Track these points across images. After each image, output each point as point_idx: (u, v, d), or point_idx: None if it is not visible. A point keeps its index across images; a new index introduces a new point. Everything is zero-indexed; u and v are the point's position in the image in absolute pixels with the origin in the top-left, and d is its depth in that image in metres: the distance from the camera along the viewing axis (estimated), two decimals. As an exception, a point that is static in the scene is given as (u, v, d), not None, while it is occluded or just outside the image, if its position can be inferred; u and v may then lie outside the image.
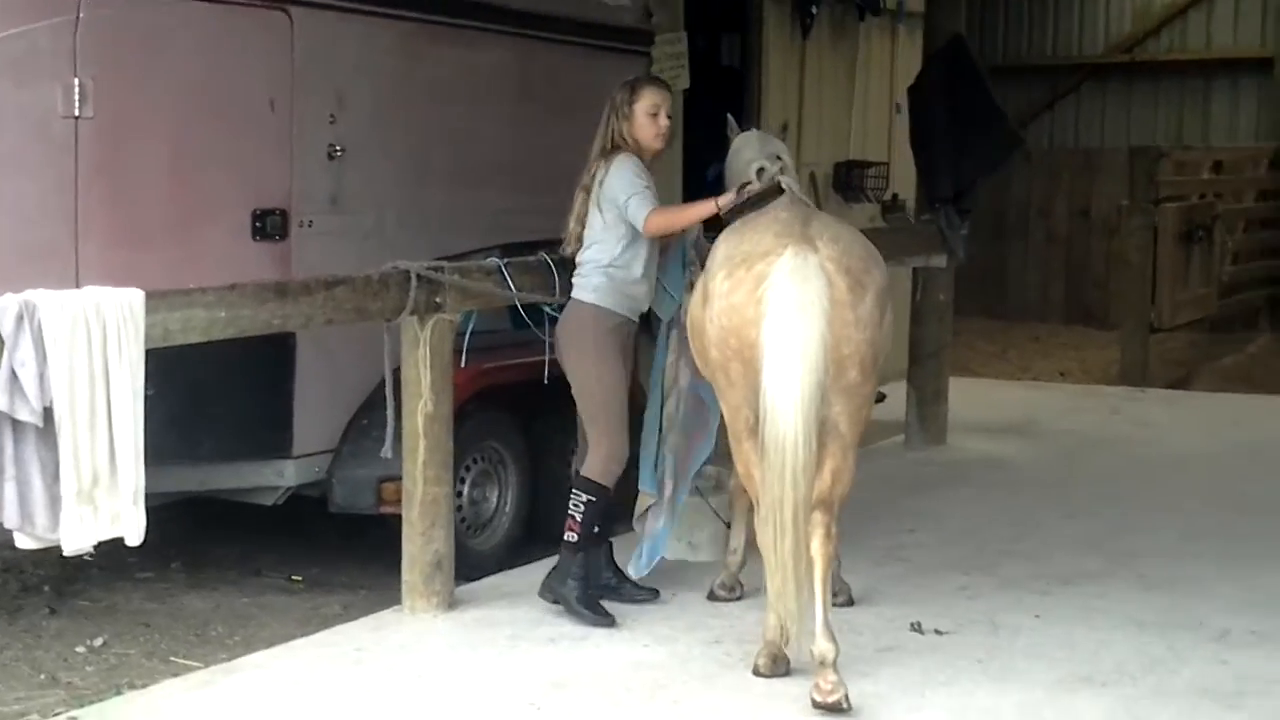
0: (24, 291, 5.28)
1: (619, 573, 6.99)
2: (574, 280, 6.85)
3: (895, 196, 13.01)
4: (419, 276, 6.62)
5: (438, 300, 6.72)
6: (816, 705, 5.66)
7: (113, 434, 5.43)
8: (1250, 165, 16.50)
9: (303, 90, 7.30)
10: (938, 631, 6.62)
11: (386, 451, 6.75)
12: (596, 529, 6.84)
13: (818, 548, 5.85)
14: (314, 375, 7.40)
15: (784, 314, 5.70)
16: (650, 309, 7.06)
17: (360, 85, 7.58)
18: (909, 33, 13.21)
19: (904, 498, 9.10)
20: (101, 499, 5.41)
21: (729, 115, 7.58)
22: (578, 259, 6.84)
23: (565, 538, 6.81)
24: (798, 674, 6.03)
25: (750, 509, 7.04)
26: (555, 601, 6.81)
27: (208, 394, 7.07)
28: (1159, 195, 13.70)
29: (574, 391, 6.85)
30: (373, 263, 6.80)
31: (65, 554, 5.39)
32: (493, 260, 7.15)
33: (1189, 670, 6.19)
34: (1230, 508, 8.94)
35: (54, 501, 5.32)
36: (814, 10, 12.09)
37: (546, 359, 7.30)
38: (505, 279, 7.02)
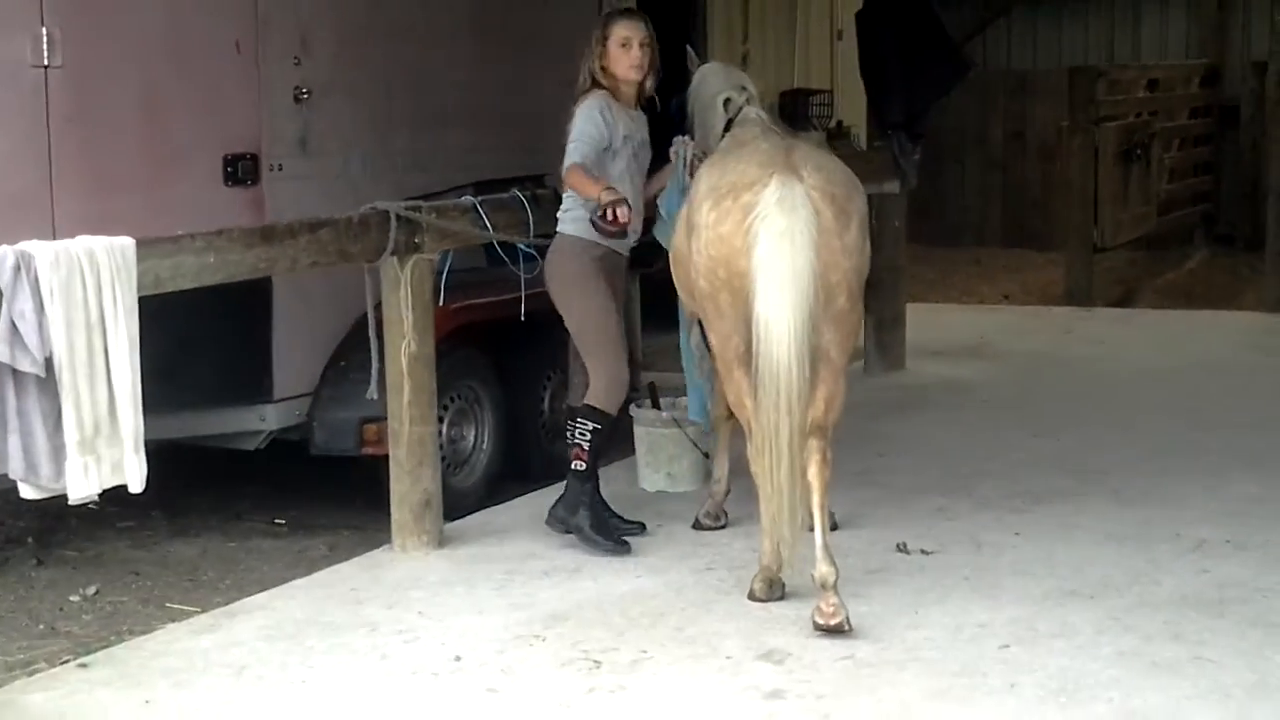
0: (18, 242, 5.25)
1: (606, 506, 6.97)
2: (558, 215, 6.87)
3: (840, 124, 13.02)
4: (398, 217, 6.62)
5: (416, 240, 6.72)
6: (819, 628, 5.74)
7: (111, 382, 5.42)
8: (1182, 83, 16.66)
9: (267, 31, 7.27)
10: (923, 551, 6.72)
11: (372, 392, 6.77)
12: (597, 461, 6.87)
13: (814, 473, 5.93)
14: (291, 319, 7.41)
15: (773, 243, 5.74)
16: (655, 238, 7.07)
17: (322, 25, 7.56)
18: (849, -42, 13.22)
19: (869, 423, 9.17)
20: (103, 447, 5.41)
21: (688, 47, 7.57)
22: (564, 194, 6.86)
23: (573, 466, 6.82)
24: (792, 597, 6.12)
25: (731, 438, 7.15)
26: (566, 531, 6.82)
27: (187, 341, 7.05)
28: (1099, 115, 13.81)
29: (567, 324, 6.86)
30: (343, 206, 6.81)
31: (70, 503, 5.39)
32: (468, 199, 7.16)
33: (1171, 580, 6.32)
34: (1193, 423, 9.09)
35: (57, 451, 5.32)
36: (756, -66, 12.05)
37: (522, 295, 7.35)
38: (481, 217, 7.04)
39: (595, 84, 6.78)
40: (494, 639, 5.81)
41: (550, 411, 8.59)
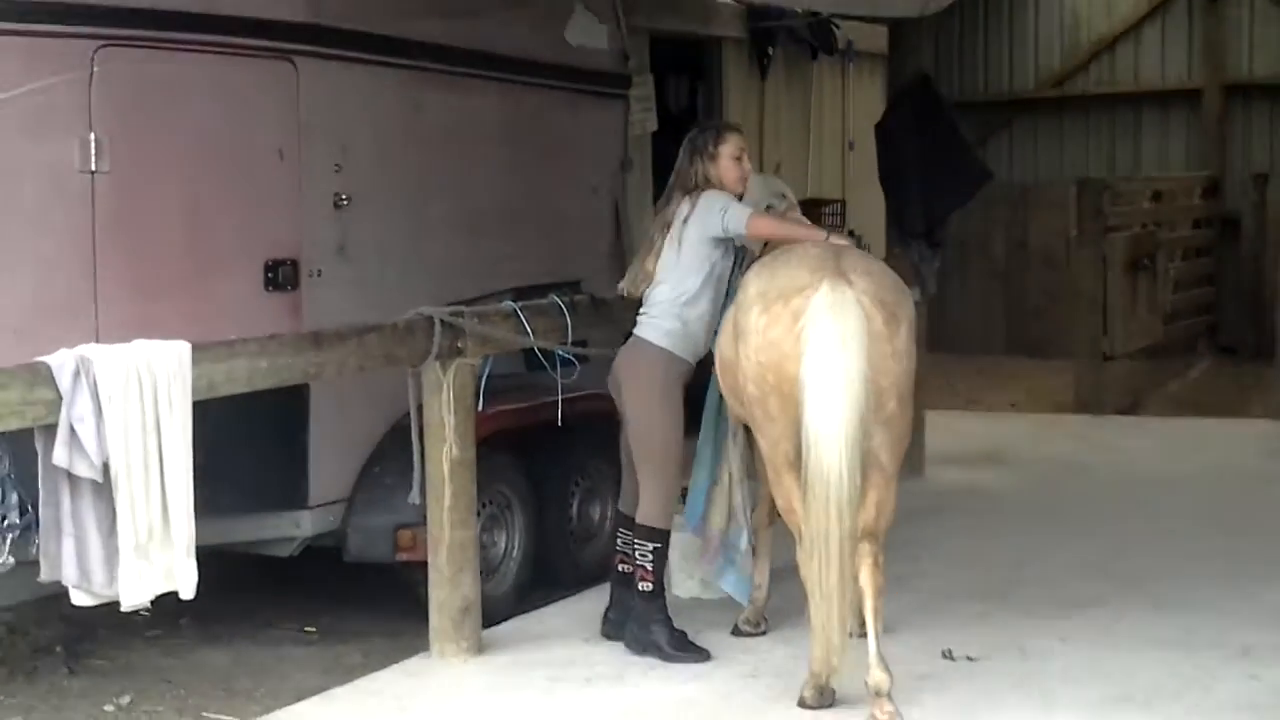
0: (78, 347, 5.24)
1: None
2: (641, 319, 6.80)
3: (852, 233, 13.10)
4: (442, 322, 6.63)
5: (459, 345, 6.73)
6: (875, 735, 5.70)
7: (165, 487, 5.41)
8: (1185, 194, 16.80)
9: (309, 140, 7.29)
10: (969, 658, 6.68)
11: (414, 497, 6.74)
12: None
13: (867, 578, 5.92)
14: (327, 424, 7.36)
15: (825, 348, 5.77)
16: None
17: (363, 134, 7.59)
18: (858, 71, 13.38)
19: (898, 529, 9.04)
20: (155, 553, 5.38)
21: None
22: (645, 298, 6.81)
23: (640, 588, 6.77)
24: (841, 704, 6.08)
25: (771, 542, 7.13)
26: (643, 652, 6.74)
27: (223, 444, 6.99)
28: (1106, 225, 13.91)
29: (631, 433, 6.80)
30: (379, 312, 6.84)
31: (123, 609, 5.34)
32: (508, 304, 7.17)
33: (1223, 687, 6.29)
34: (1221, 529, 9.08)
35: (110, 556, 5.29)
36: (771, 51, 12.20)
37: (559, 401, 7.36)
38: (522, 322, 7.05)
39: (697, 187, 6.79)
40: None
41: (579, 518, 8.55)
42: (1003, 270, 17.91)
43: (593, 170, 9.21)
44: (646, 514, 6.77)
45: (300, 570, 8.21)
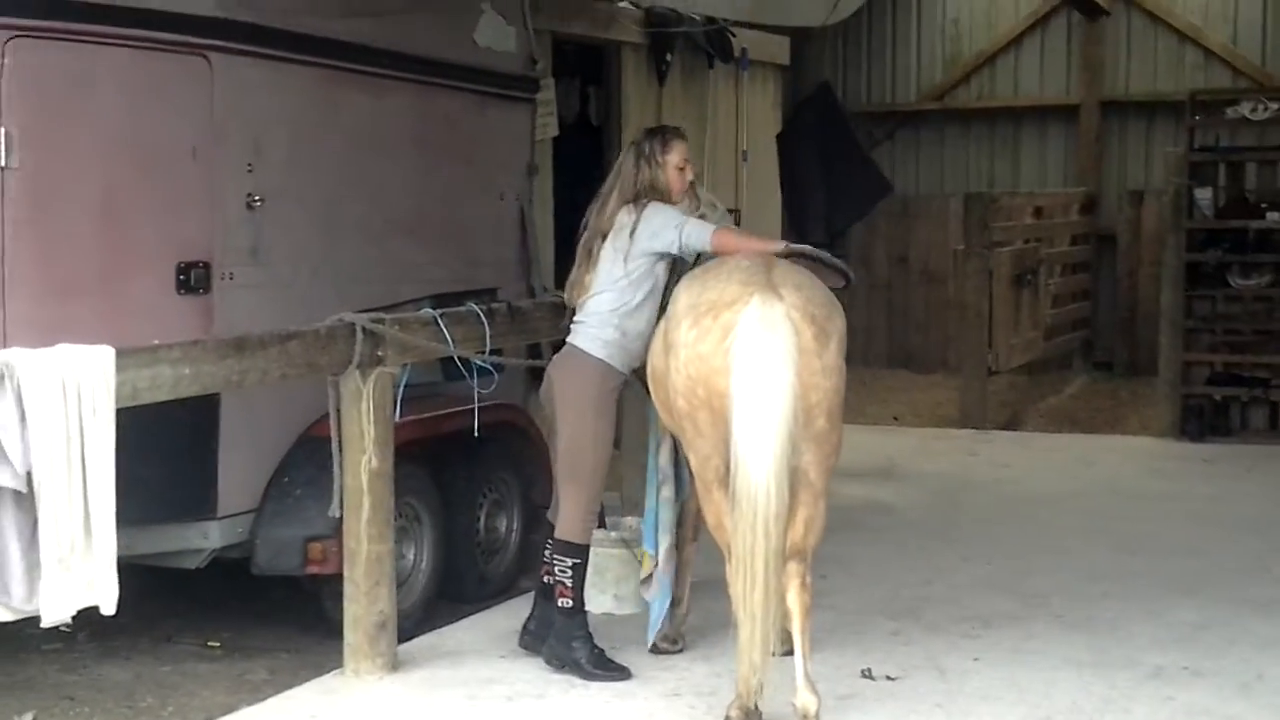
0: None
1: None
2: (576, 328, 6.67)
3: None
4: (364, 329, 6.49)
5: (379, 353, 6.59)
6: (804, 759, 5.65)
7: (88, 498, 5.21)
8: (1062, 210, 16.98)
9: (222, 138, 7.10)
10: (888, 678, 6.67)
11: (335, 510, 6.60)
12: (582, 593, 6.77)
13: (794, 598, 5.89)
14: (236, 433, 7.17)
15: (753, 363, 5.72)
16: None
17: (275, 133, 7.40)
18: (752, 80, 13.37)
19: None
20: (77, 565, 5.19)
21: None
22: (580, 307, 6.67)
23: (559, 604, 6.68)
24: (771, 724, 6.04)
25: (691, 560, 7.08)
26: (562, 668, 6.65)
27: (133, 456, 6.78)
28: (991, 240, 14.02)
29: (560, 443, 6.69)
30: (290, 317, 6.69)
31: (44, 625, 5.14)
32: (427, 311, 7.04)
33: (1141, 708, 6.32)
34: (1117, 546, 9.16)
35: (30, 570, 5.10)
36: (669, 58, 12.16)
37: (476, 410, 7.24)
38: (442, 330, 6.93)
39: (636, 200, 6.64)
40: (472, 768, 5.65)
41: (486, 530, 8.44)
42: (884, 283, 17.98)
43: (501, 175, 9.08)
44: (565, 528, 6.68)
45: (198, 584, 8.01)
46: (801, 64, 14.80)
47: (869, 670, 6.71)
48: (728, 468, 5.82)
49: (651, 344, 6.46)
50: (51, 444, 5.06)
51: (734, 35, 12.82)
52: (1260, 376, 13.03)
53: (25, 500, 5.06)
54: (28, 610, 5.11)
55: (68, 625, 5.31)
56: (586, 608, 7.39)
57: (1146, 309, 17.22)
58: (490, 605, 7.95)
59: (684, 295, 6.14)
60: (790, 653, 6.70)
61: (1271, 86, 15.46)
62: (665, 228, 6.51)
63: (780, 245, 6.49)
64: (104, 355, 5.29)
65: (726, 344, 5.81)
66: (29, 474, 5.01)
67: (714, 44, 12.61)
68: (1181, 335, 13.11)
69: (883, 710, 6.27)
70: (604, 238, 6.61)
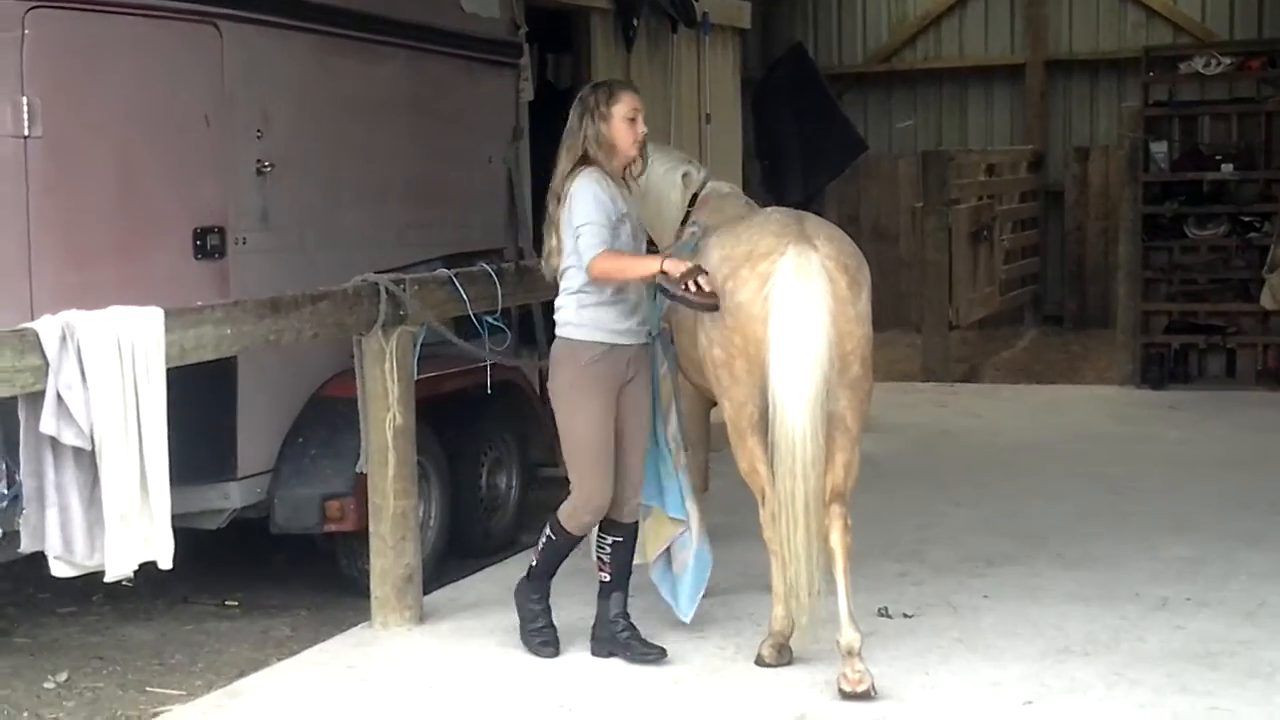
0: (60, 313, 5.13)
1: (631, 626, 6.44)
2: (555, 318, 6.37)
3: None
4: (387, 290, 6.59)
5: (402, 313, 6.69)
6: (845, 694, 5.82)
7: (143, 455, 5.30)
8: (1011, 168, 17.23)
9: (232, 105, 7.17)
10: (905, 615, 6.86)
11: (363, 465, 6.71)
12: (551, 569, 6.50)
13: (837, 539, 6.04)
14: (254, 395, 7.27)
15: (792, 311, 5.86)
16: None
17: (281, 100, 7.48)
18: (713, 44, 13.47)
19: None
20: (135, 522, 5.28)
21: None
22: (557, 279, 6.33)
23: (531, 561, 6.58)
24: (799, 662, 6.20)
25: (702, 508, 7.18)
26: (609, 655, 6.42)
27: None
28: (949, 198, 14.23)
29: (558, 430, 6.41)
30: (302, 281, 6.78)
31: (107, 579, 5.23)
32: (443, 272, 7.14)
33: (1154, 638, 6.52)
34: (1100, 489, 9.40)
35: (92, 527, 5.20)
36: (635, 23, 12.23)
37: (488, 368, 7.36)
38: (458, 290, 7.03)
39: (584, 158, 6.27)
40: (519, 710, 5.80)
41: (488, 488, 8.56)
42: (835, 242, 18.13)
43: (488, 139, 9.18)
44: (561, 507, 6.39)
45: (206, 546, 8.08)
46: (771, 26, 14.92)
47: (885, 609, 6.89)
48: (762, 415, 5.97)
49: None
50: (111, 403, 5.16)
51: (697, 0, 12.91)
52: (1217, 324, 13.34)
53: (84, 459, 5.15)
54: (89, 566, 5.21)
55: (129, 580, 5.39)
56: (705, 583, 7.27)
57: (1094, 263, 17.59)
58: (499, 559, 8.07)
59: (715, 249, 6.24)
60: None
61: (1220, 42, 15.75)
62: (576, 218, 6.13)
63: (655, 265, 6.04)
64: (154, 316, 5.39)
65: (765, 292, 5.93)
66: (90, 433, 5.09)
67: (677, 8, 12.69)
68: (1140, 285, 13.37)
69: (906, 645, 6.45)
70: (558, 202, 6.26)
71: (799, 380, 5.80)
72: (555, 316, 6.35)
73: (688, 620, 6.66)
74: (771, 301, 5.90)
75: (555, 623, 6.55)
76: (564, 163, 6.31)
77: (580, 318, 6.23)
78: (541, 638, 6.46)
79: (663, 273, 5.97)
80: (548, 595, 6.55)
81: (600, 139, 6.25)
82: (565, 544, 6.44)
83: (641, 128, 6.35)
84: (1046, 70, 17.82)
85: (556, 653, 6.43)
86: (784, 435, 5.83)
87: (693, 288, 5.89)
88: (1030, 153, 17.55)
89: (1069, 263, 17.75)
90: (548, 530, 6.43)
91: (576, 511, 6.34)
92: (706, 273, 5.95)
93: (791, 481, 5.84)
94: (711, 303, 5.94)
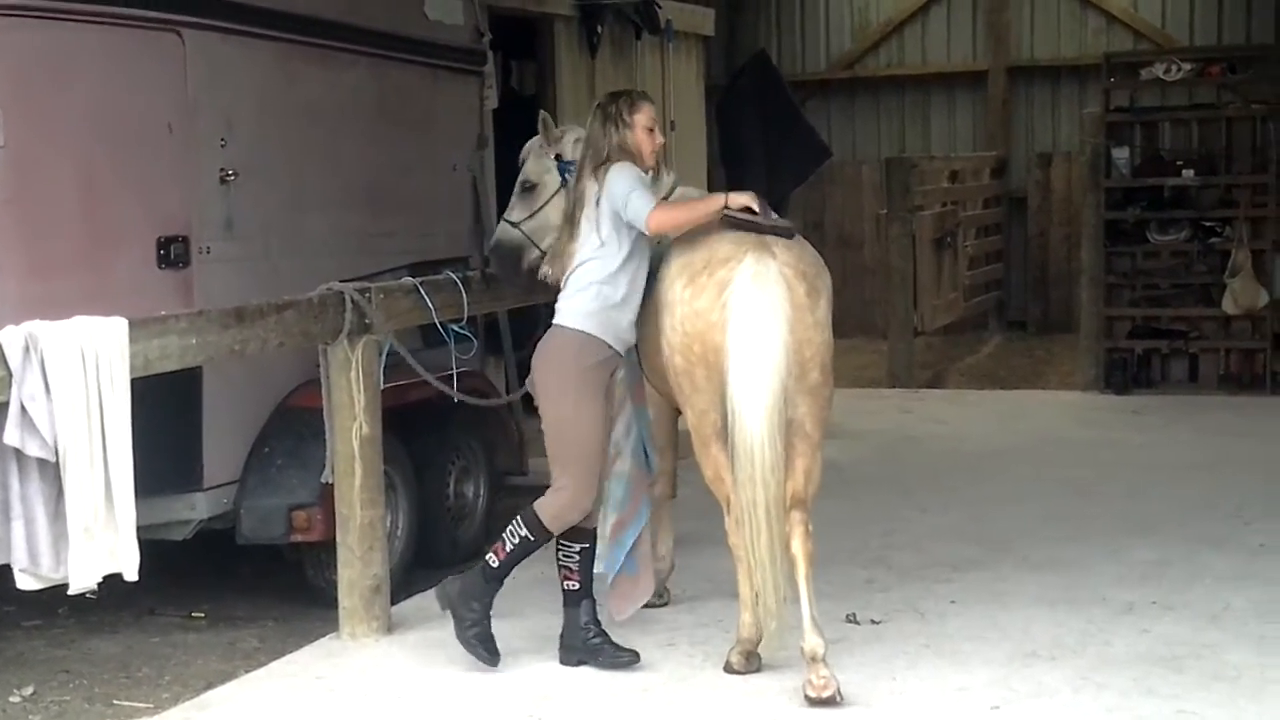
0: (22, 323, 5.10)
1: (602, 632, 6.40)
2: (558, 306, 6.28)
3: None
4: (352, 299, 6.58)
5: (367, 322, 6.67)
6: (811, 701, 5.83)
7: (108, 467, 5.28)
8: (974, 174, 17.29)
9: (196, 113, 7.15)
10: (873, 621, 6.87)
11: (328, 476, 6.69)
12: (510, 569, 6.37)
13: (799, 546, 6.04)
14: (219, 406, 7.25)
15: (750, 318, 5.88)
16: None
17: (244, 108, 7.46)
18: (677, 51, 13.50)
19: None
20: (100, 534, 5.26)
21: (542, 113, 7.29)
22: (563, 280, 6.31)
23: (487, 559, 6.35)
24: (767, 669, 6.21)
25: (670, 515, 7.21)
26: (446, 609, 6.38)
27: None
28: (913, 204, 14.28)
29: (544, 426, 6.29)
30: (266, 291, 6.77)
31: (71, 592, 5.20)
32: (408, 280, 7.13)
33: (1120, 641, 6.55)
34: (1065, 493, 9.44)
35: (57, 539, 5.17)
36: (599, 30, 12.25)
37: (454, 374, 7.34)
38: (424, 298, 7.02)
39: (607, 160, 6.29)
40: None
41: (455, 497, 8.55)
42: (798, 249, 18.17)
43: (453, 147, 9.17)
44: (542, 503, 6.24)
45: (171, 557, 8.04)
46: (735, 33, 14.93)
47: (853, 615, 6.91)
48: (725, 422, 5.98)
49: (642, 305, 6.46)
50: (75, 414, 5.14)
51: (660, 7, 12.93)
52: (1179, 329, 13.39)
53: (49, 472, 5.13)
54: (55, 578, 5.19)
55: (93, 592, 5.37)
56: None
57: (1057, 268, 17.68)
58: (465, 568, 8.02)
59: (675, 256, 6.25)
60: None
61: (1180, 48, 15.84)
62: (619, 191, 6.14)
63: (719, 201, 6.16)
64: (118, 326, 5.36)
65: (723, 300, 5.96)
66: (55, 444, 5.06)
67: (641, 15, 12.71)
68: (1102, 291, 13.42)
69: (873, 652, 6.46)
70: (581, 207, 6.30)
71: (757, 387, 5.82)
72: (563, 305, 6.25)
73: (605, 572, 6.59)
74: (730, 309, 5.92)
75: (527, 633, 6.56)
76: (586, 170, 6.34)
77: (601, 315, 6.19)
78: (486, 643, 6.32)
79: (730, 207, 6.09)
80: (491, 599, 6.39)
81: (624, 146, 6.30)
82: (539, 544, 6.31)
83: (660, 137, 6.47)
84: (1009, 76, 17.92)
85: (498, 659, 6.31)
86: (742, 442, 5.85)
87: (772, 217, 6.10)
88: (993, 159, 17.61)
89: (1032, 268, 17.84)
90: (523, 530, 6.26)
91: (563, 512, 6.24)
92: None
93: (752, 488, 5.86)
94: (786, 226, 6.15)
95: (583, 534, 6.39)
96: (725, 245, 6.08)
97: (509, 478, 9.20)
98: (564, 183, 6.80)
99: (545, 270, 6.54)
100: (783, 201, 10.65)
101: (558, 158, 6.92)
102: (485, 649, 6.32)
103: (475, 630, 6.32)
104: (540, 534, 6.28)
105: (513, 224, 6.97)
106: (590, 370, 6.20)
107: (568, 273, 6.30)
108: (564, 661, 6.39)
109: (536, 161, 7.00)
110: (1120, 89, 13.94)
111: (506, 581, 6.42)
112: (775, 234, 6.07)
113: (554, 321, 6.29)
